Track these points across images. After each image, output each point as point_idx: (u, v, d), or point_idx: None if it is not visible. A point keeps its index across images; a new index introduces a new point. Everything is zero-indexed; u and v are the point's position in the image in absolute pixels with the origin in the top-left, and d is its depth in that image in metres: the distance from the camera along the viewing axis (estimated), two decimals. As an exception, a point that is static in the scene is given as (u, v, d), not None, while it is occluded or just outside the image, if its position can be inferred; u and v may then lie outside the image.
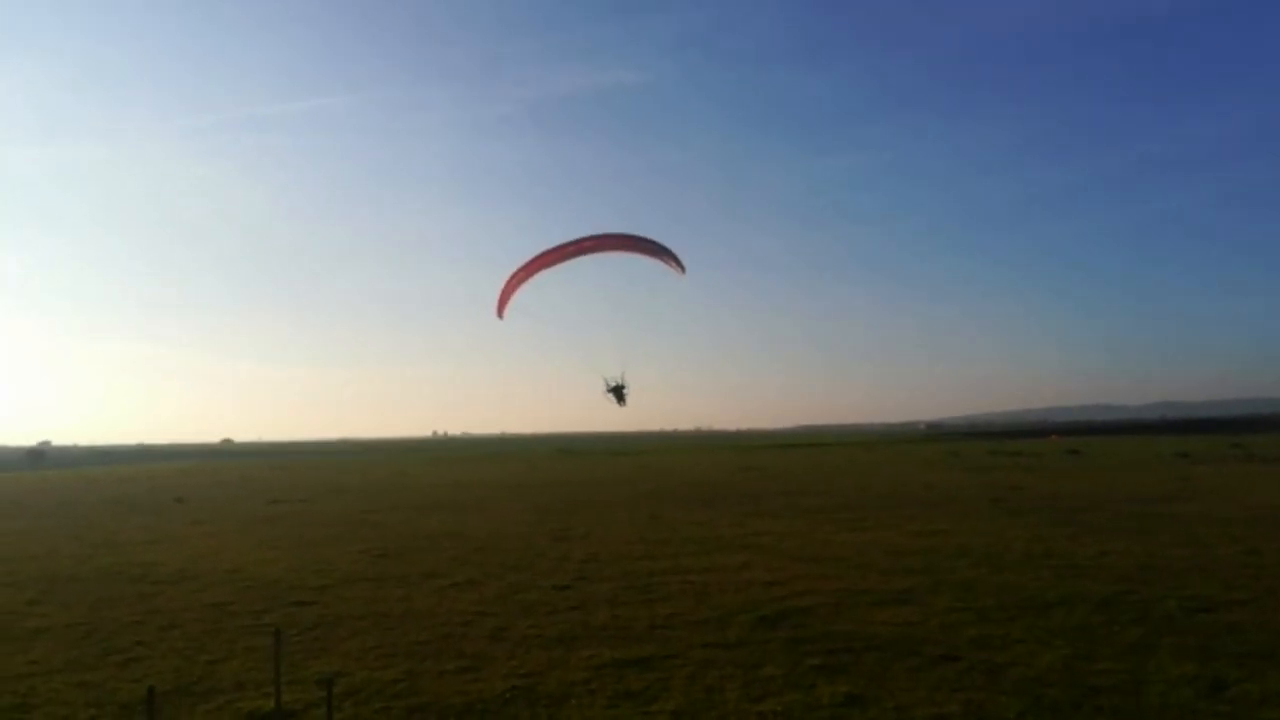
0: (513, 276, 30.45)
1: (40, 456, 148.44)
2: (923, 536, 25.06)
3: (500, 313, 31.34)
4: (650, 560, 21.82)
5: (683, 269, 31.45)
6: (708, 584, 18.17)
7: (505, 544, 25.66)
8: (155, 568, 21.94)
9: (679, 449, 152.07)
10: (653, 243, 30.87)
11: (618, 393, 31.14)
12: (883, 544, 23.58)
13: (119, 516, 37.65)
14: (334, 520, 34.03)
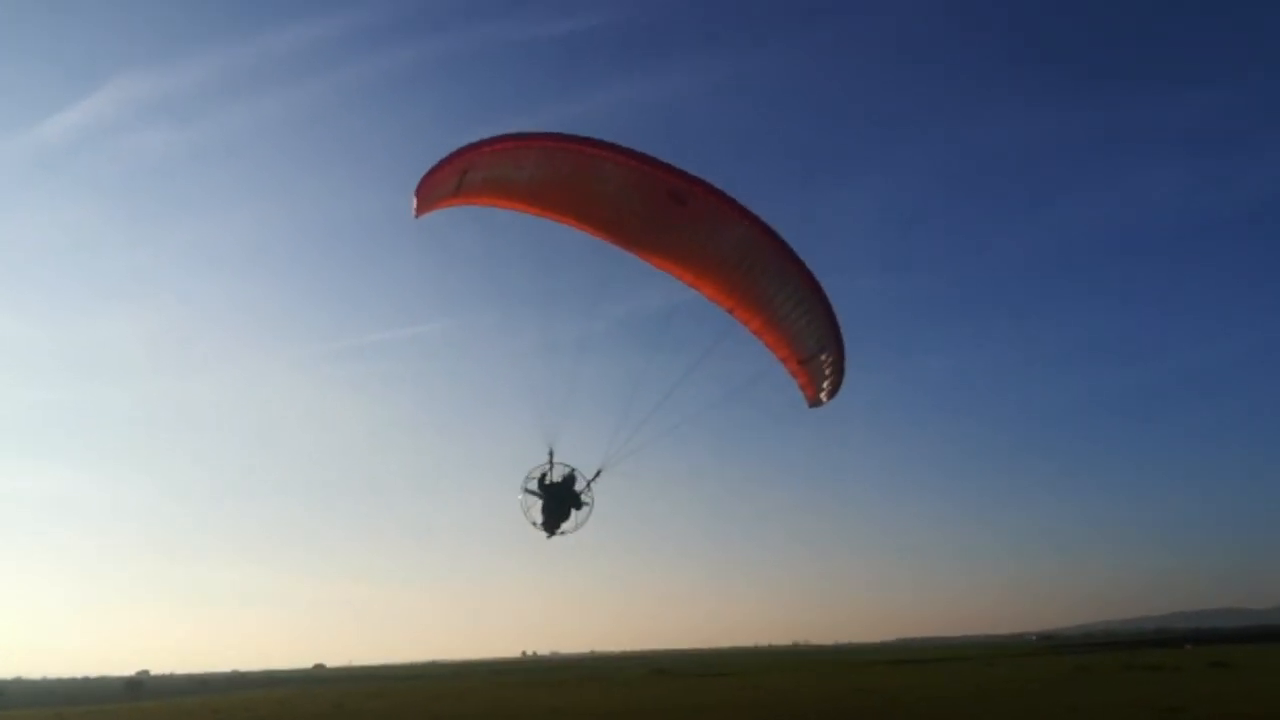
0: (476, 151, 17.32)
1: (138, 687, 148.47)
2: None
3: (418, 206, 17.60)
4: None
5: (832, 389, 19.89)
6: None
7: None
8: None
9: (780, 667, 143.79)
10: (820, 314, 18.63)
11: (556, 495, 19.30)
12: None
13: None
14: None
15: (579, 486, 19.99)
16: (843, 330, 19.24)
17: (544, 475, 20.00)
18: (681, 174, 17.76)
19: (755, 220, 18.09)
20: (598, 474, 19.68)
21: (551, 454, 19.94)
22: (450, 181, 17.68)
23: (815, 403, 20.26)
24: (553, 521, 19.53)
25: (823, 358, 19.30)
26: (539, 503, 19.79)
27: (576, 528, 19.48)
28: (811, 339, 19.11)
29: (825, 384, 20.02)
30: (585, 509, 19.69)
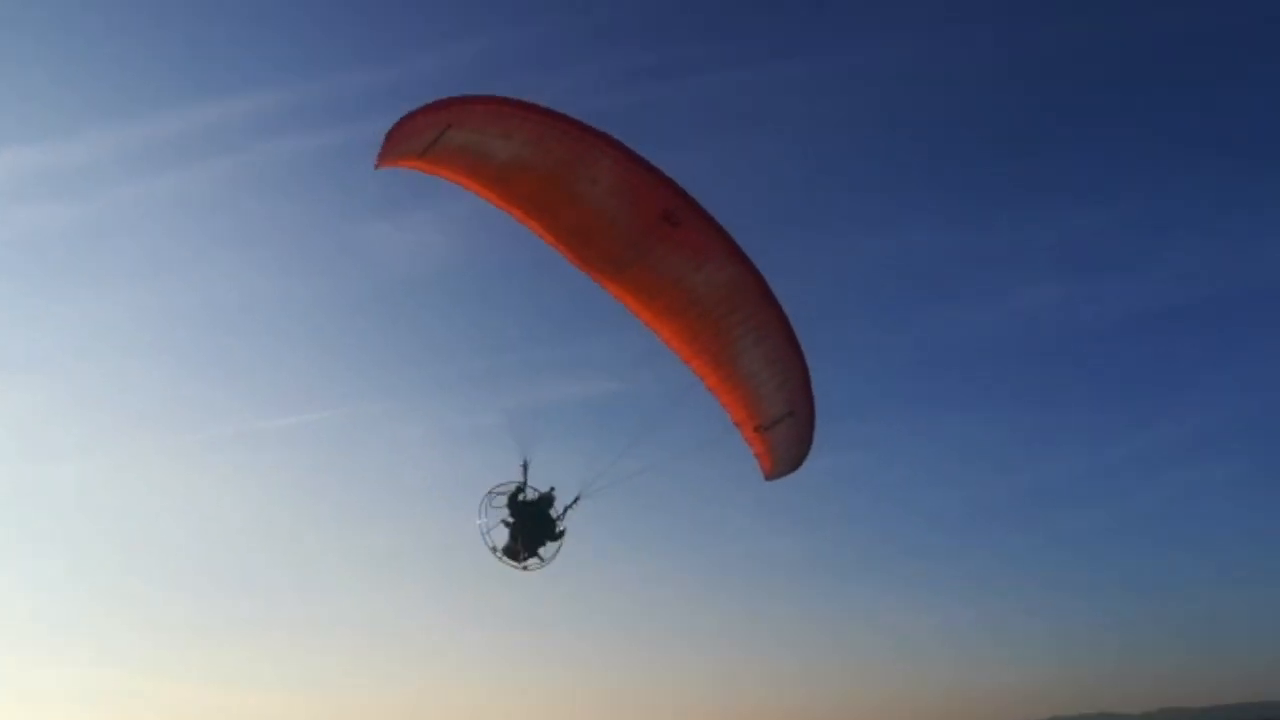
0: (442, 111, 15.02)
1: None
2: None
3: (382, 154, 15.39)
4: None
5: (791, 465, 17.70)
6: None
7: None
8: None
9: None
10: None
11: (530, 517, 16.67)
12: None
13: None
14: None
15: (555, 511, 17.26)
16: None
17: (517, 492, 17.19)
18: (682, 192, 16.19)
19: (747, 260, 16.61)
20: (576, 500, 17.24)
21: (526, 467, 17.24)
22: (427, 135, 15.41)
23: (773, 475, 18.42)
24: (520, 549, 16.78)
25: (787, 426, 17.60)
26: (501, 527, 17.01)
27: (546, 563, 16.77)
28: (779, 403, 17.35)
29: (786, 454, 18.20)
30: (558, 540, 16.94)
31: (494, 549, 17.06)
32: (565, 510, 17.10)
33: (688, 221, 16.08)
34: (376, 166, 15.56)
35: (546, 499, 17.23)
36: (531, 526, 16.93)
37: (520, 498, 17.06)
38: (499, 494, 17.14)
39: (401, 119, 15.21)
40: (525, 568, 17.06)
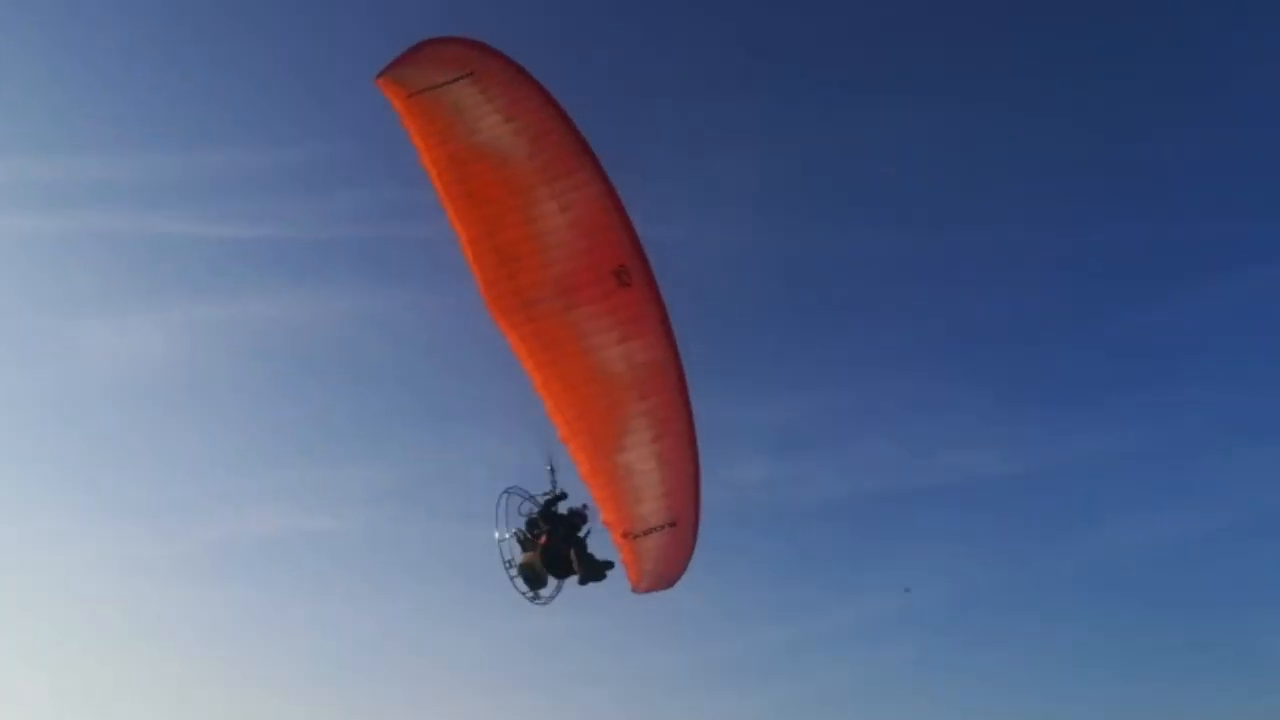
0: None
1: None
2: None
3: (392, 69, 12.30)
4: None
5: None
6: None
7: None
8: None
9: None
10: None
11: (564, 535, 13.61)
12: None
13: None
14: None
15: (583, 533, 14.21)
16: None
17: (555, 499, 14.25)
18: (642, 253, 14.51)
19: (674, 343, 15.09)
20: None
21: (553, 471, 14.41)
22: (446, 72, 12.23)
23: (640, 589, 15.78)
24: (544, 573, 13.60)
25: (664, 537, 15.43)
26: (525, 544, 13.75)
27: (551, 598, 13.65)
28: (660, 511, 15.39)
29: (656, 569, 15.91)
30: (599, 572, 13.74)
31: (509, 564, 13.98)
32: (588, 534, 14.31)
33: (638, 286, 14.52)
34: (377, 79, 12.14)
35: (579, 515, 14.43)
36: (563, 548, 14.07)
37: (555, 509, 13.73)
38: (519, 494, 14.17)
39: (433, 41, 12.41)
40: (537, 596, 14.00)
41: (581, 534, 14.65)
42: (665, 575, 15.75)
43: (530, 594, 14.33)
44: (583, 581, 14.26)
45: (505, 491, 14.42)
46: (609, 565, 14.64)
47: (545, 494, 14.77)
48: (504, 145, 13.31)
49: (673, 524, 15.37)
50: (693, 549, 15.66)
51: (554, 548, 14.26)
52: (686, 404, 15.39)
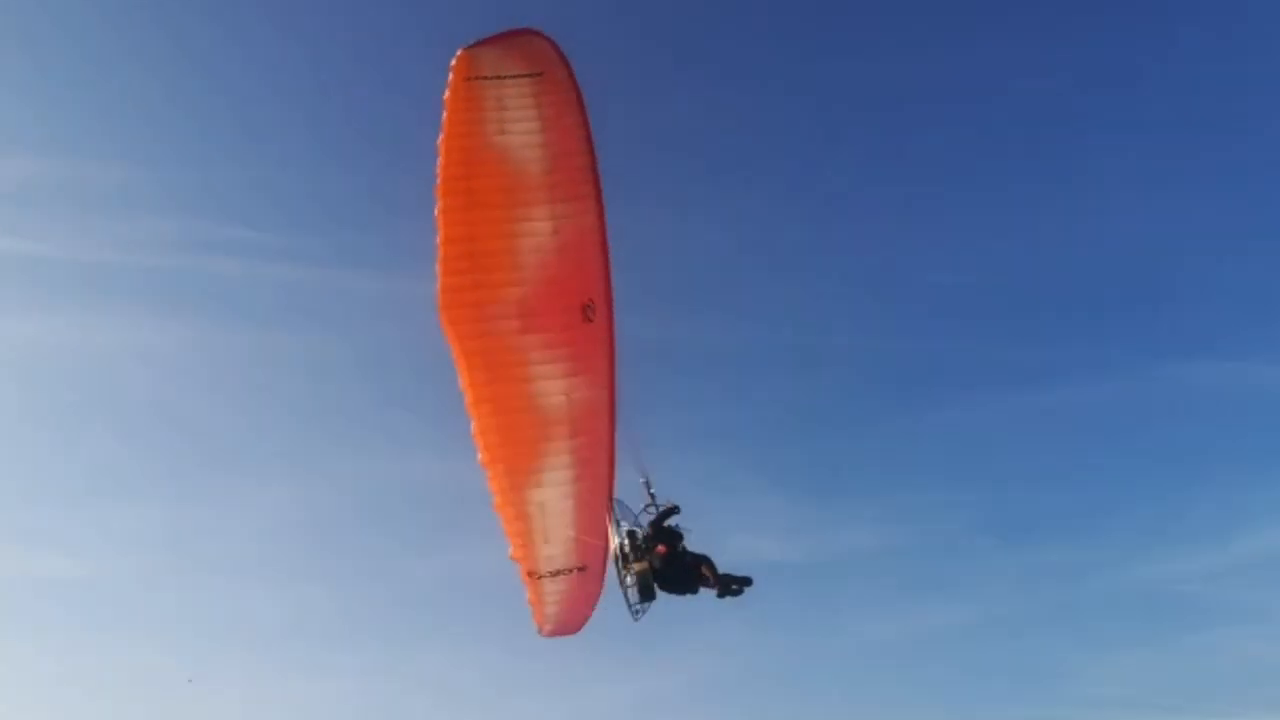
0: None
1: None
2: None
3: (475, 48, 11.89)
4: None
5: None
6: None
7: None
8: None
9: None
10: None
11: (663, 536, 13.34)
12: None
13: None
14: None
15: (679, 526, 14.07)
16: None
17: (669, 512, 14.07)
18: (611, 296, 14.40)
19: (615, 388, 14.99)
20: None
21: (649, 485, 14.47)
22: (520, 64, 11.87)
23: (546, 633, 14.73)
24: (653, 586, 13.50)
25: (572, 581, 14.64)
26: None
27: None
28: (572, 554, 14.80)
29: (561, 613, 15.06)
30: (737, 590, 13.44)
31: (628, 568, 13.80)
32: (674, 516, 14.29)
33: (600, 325, 14.55)
34: (462, 50, 11.52)
35: (678, 535, 14.05)
36: (678, 568, 13.71)
37: (666, 523, 13.86)
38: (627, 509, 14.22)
39: (524, 32, 12.12)
40: (642, 609, 13.84)
41: (677, 523, 14.48)
42: (570, 622, 15.41)
43: (639, 605, 13.93)
44: (721, 595, 13.90)
45: (616, 500, 13.83)
46: (748, 581, 14.21)
47: (658, 505, 14.50)
48: (525, 154, 13.04)
49: (583, 569, 15.21)
50: (597, 597, 15.53)
51: (675, 560, 13.97)
52: (613, 450, 15.49)
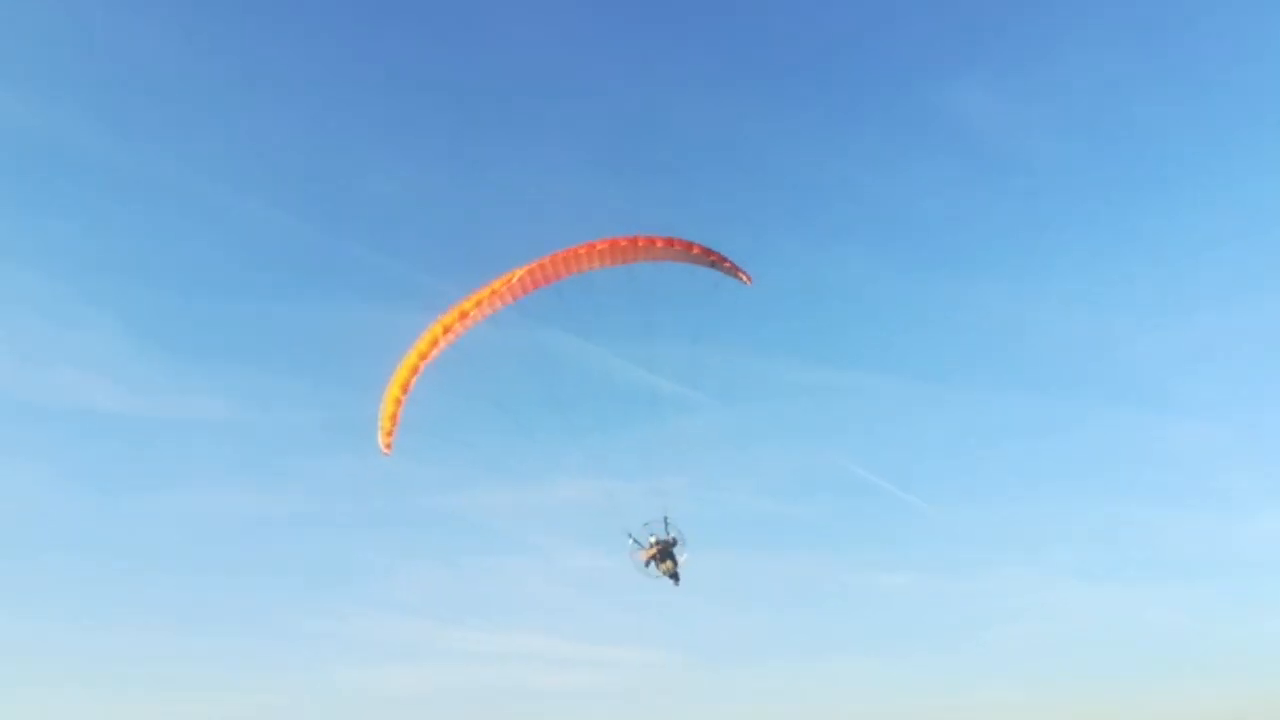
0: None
1: None
2: None
3: (385, 442, 24.56)
4: None
5: (748, 275, 25.70)
6: None
7: None
8: None
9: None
10: (703, 251, 24.77)
11: (665, 556, 24.80)
12: None
13: None
14: None
15: (678, 551, 26.02)
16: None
17: (671, 544, 25.72)
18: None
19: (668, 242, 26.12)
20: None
21: (667, 522, 25.58)
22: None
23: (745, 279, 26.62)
24: (658, 564, 25.68)
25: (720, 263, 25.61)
26: (646, 550, 25.99)
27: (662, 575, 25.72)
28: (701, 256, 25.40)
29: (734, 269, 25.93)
30: (676, 570, 25.65)
31: (662, 566, 25.79)
32: (674, 545, 26.02)
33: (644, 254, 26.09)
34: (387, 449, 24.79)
35: (671, 554, 25.97)
36: (664, 556, 25.83)
37: (654, 545, 25.51)
38: (637, 537, 25.90)
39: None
40: (674, 578, 25.80)
41: (677, 549, 25.40)
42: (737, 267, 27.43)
43: (659, 568, 25.16)
44: (675, 580, 25.25)
45: (644, 524, 25.54)
46: (675, 578, 25.47)
47: (662, 538, 25.37)
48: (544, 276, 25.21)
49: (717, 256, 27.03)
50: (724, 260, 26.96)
51: (664, 554, 24.95)
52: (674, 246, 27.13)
